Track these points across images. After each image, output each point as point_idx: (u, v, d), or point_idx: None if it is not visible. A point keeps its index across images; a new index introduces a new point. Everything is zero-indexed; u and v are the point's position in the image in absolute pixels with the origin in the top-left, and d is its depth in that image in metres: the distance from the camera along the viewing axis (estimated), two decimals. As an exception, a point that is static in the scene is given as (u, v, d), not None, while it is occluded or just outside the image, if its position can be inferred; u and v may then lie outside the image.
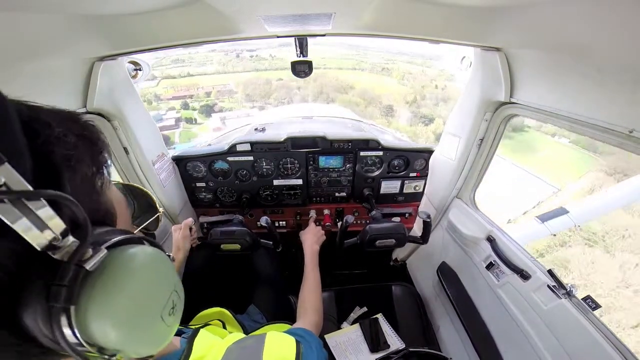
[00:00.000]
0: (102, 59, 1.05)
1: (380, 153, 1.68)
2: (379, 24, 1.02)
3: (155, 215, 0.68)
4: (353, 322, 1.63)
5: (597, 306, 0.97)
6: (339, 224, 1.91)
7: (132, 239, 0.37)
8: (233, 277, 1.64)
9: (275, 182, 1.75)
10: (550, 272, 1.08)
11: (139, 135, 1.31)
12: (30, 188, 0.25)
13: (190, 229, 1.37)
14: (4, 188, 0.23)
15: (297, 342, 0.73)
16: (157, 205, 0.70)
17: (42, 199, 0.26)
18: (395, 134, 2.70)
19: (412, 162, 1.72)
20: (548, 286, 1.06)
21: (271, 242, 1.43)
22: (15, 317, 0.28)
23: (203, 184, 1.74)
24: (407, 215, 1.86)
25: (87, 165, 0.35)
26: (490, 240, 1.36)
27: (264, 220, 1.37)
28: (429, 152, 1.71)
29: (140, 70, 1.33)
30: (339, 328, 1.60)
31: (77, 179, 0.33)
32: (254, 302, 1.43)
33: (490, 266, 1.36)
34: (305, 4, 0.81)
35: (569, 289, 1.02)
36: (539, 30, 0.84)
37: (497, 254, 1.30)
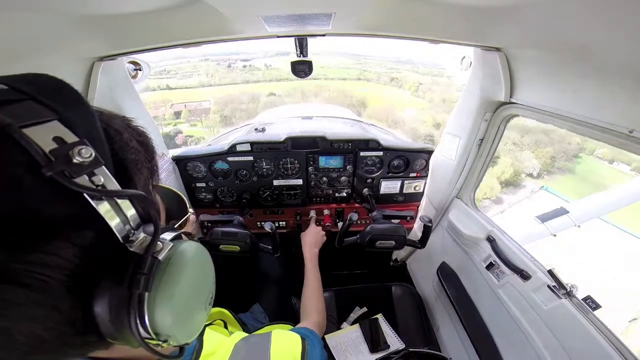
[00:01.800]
0: (102, 59, 1.05)
1: (380, 153, 1.68)
2: (379, 24, 1.02)
3: (186, 216, 0.71)
4: (353, 323, 1.63)
5: (597, 306, 0.97)
6: (339, 224, 1.92)
7: (179, 234, 0.41)
8: (237, 275, 1.64)
9: (275, 182, 1.75)
10: (550, 272, 1.08)
11: (139, 135, 1.31)
12: (119, 188, 0.30)
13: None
14: (100, 187, 0.28)
15: (303, 339, 0.75)
16: (188, 207, 0.74)
17: (127, 197, 0.31)
18: (396, 134, 2.70)
19: (412, 162, 1.72)
20: (548, 286, 1.06)
21: (270, 247, 1.44)
22: (89, 306, 0.29)
23: (203, 184, 1.74)
24: (408, 218, 1.86)
25: (146, 168, 0.39)
26: (490, 240, 1.36)
27: (268, 226, 1.38)
28: (429, 152, 1.70)
29: (140, 70, 1.33)
30: (339, 328, 1.60)
31: (141, 180, 0.38)
32: (259, 301, 1.43)
33: (490, 266, 1.36)
34: (305, 4, 0.81)
35: (569, 289, 1.02)
36: (539, 30, 0.84)
37: (497, 254, 1.30)
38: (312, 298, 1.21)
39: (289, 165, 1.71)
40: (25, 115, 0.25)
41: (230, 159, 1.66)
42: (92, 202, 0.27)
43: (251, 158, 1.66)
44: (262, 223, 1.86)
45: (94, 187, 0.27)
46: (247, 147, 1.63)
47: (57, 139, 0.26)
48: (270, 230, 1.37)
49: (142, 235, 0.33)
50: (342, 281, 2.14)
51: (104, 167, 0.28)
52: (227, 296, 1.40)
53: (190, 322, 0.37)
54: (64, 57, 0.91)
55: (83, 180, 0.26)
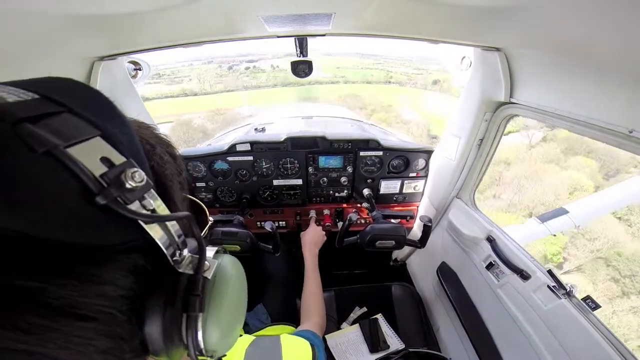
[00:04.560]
0: (102, 59, 1.05)
1: (380, 153, 1.68)
2: (379, 24, 1.02)
3: (208, 225, 0.71)
4: (353, 323, 1.63)
5: (596, 306, 0.97)
6: (339, 224, 1.92)
7: (219, 249, 0.40)
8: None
9: (275, 182, 1.75)
10: (550, 272, 1.08)
11: (139, 135, 1.31)
12: (168, 212, 0.29)
13: None
14: (152, 212, 0.26)
15: (312, 346, 0.77)
16: (208, 215, 0.73)
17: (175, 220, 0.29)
18: (397, 135, 2.70)
19: (412, 162, 1.72)
20: (548, 286, 1.06)
21: (270, 247, 1.44)
22: (143, 329, 0.28)
23: (203, 184, 1.74)
24: (408, 218, 1.85)
25: (178, 183, 0.38)
26: (490, 240, 1.36)
27: (268, 226, 1.38)
28: (429, 152, 1.71)
29: (140, 70, 1.33)
30: (339, 328, 1.60)
31: (177, 196, 0.37)
32: (263, 302, 1.43)
33: (490, 266, 1.36)
34: (305, 4, 0.81)
35: (568, 289, 1.02)
36: (539, 30, 0.84)
37: (497, 254, 1.30)
38: (313, 298, 1.21)
39: (288, 165, 1.71)
40: (67, 132, 0.22)
41: (230, 158, 1.66)
42: (147, 228, 0.26)
43: (251, 158, 1.66)
44: (263, 223, 1.86)
45: (147, 212, 0.26)
46: (247, 147, 1.63)
47: (104, 160, 0.23)
48: (270, 230, 1.37)
49: (186, 254, 0.31)
50: (342, 281, 2.14)
51: (152, 190, 0.27)
52: None
53: (234, 334, 0.37)
54: (64, 57, 0.91)
55: (135, 205, 0.25)
